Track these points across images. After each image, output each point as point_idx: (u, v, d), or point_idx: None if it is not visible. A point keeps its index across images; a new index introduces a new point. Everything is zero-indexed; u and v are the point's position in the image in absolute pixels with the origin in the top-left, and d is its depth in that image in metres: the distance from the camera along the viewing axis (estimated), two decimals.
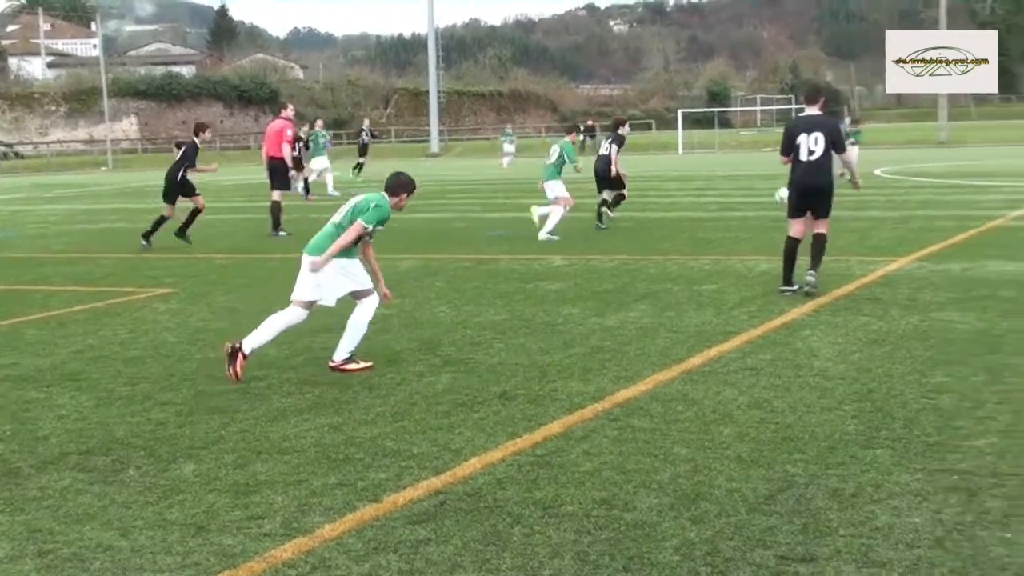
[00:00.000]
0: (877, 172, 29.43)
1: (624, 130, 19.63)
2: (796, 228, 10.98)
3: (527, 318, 10.04)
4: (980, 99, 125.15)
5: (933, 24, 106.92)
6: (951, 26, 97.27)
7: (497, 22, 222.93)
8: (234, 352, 7.80)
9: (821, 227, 10.96)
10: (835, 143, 10.83)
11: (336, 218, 8.07)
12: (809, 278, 10.72)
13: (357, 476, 5.58)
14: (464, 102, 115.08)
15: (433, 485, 5.38)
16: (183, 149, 17.84)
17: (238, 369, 7.75)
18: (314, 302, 8.02)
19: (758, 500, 5.02)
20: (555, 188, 17.07)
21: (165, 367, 8.46)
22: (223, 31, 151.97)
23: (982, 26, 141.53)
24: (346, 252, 7.93)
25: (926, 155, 44.61)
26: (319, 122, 33.80)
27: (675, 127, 68.92)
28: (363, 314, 8.01)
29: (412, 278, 13.18)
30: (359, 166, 39.20)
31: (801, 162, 10.85)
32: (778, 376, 7.40)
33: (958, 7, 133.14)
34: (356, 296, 8.07)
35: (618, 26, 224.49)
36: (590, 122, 77.63)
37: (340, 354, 8.02)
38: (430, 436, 6.26)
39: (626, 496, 5.15)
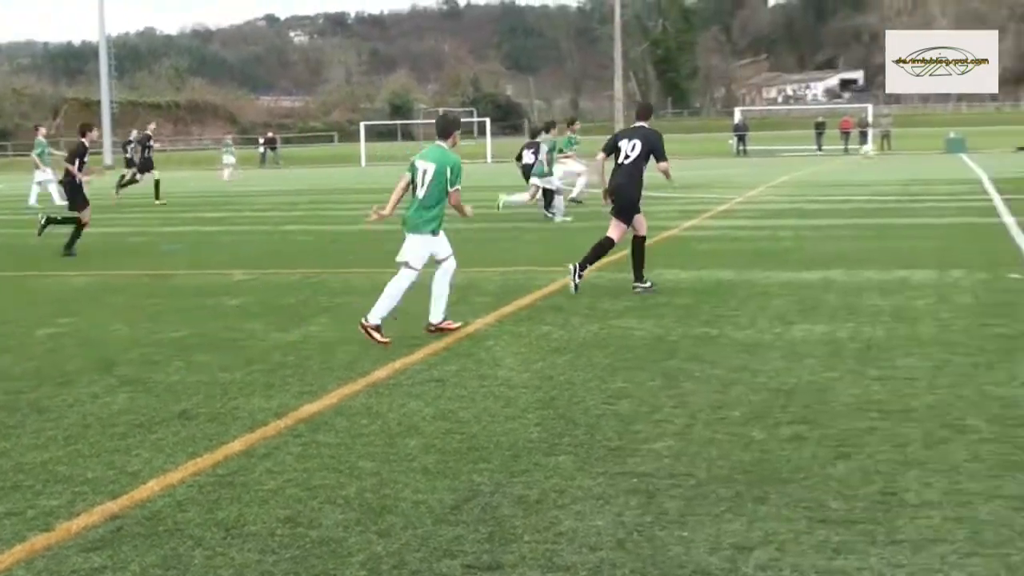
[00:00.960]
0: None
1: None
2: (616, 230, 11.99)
3: (208, 334, 9.80)
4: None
5: (608, 41, 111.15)
6: (626, 42, 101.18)
7: (173, 31, 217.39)
8: (366, 329, 8.93)
9: (613, 231, 12.02)
10: (653, 151, 11.86)
11: (421, 193, 9.25)
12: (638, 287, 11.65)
13: (27, 504, 5.29)
14: (139, 112, 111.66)
15: (109, 510, 5.15)
16: (74, 150, 16.85)
17: (381, 338, 8.87)
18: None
19: (444, 510, 5.05)
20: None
21: None
22: None
23: (654, 43, 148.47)
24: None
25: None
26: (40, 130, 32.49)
27: (358, 140, 68.97)
28: (446, 275, 9.45)
29: (87, 296, 12.69)
30: (131, 180, 36.07)
31: (617, 165, 11.91)
32: (463, 387, 7.48)
33: (632, 24, 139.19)
34: (438, 259, 9.47)
35: (299, 37, 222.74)
36: (270, 134, 76.73)
37: (436, 316, 9.34)
38: (105, 459, 6.01)
39: (311, 513, 5.08)
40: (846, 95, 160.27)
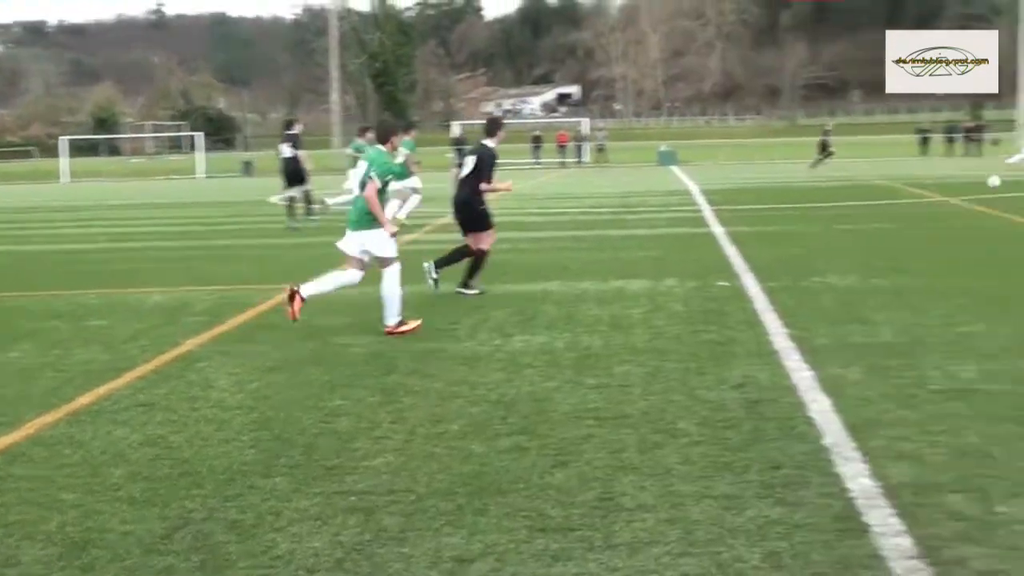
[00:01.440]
0: (272, 199, 29.93)
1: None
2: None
3: None
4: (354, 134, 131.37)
5: (324, 54, 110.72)
6: (343, 55, 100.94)
7: None
8: (292, 295, 9.90)
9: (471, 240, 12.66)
10: (480, 168, 12.50)
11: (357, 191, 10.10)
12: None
13: None
14: None
15: None
16: None
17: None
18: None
19: (154, 540, 4.90)
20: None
21: None
22: None
23: (372, 57, 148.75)
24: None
25: (322, 182, 46.03)
26: None
27: (58, 155, 66.38)
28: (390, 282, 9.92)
29: None
30: None
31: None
32: (174, 411, 7.28)
33: (349, 36, 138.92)
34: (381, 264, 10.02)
35: None
36: None
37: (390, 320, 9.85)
38: None
39: (8, 551, 4.84)
40: (562, 109, 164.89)
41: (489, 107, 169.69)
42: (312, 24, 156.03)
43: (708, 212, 23.75)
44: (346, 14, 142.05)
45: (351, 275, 10.33)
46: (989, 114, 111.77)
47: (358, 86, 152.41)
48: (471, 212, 12.69)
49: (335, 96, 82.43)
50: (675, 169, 50.69)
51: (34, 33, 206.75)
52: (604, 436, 6.33)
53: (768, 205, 25.43)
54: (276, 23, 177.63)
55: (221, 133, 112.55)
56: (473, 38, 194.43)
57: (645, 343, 9.10)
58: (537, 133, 72.66)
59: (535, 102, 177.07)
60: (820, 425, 6.41)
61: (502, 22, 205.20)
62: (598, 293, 12.02)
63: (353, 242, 10.28)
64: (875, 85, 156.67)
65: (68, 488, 5.69)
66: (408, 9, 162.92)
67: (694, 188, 34.54)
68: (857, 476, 5.48)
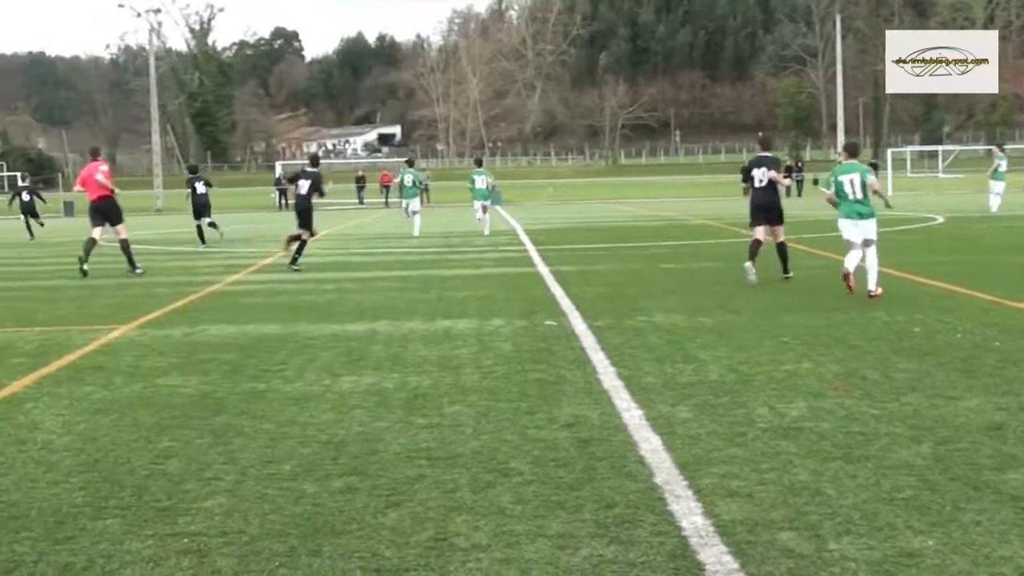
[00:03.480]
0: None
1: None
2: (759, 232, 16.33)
3: None
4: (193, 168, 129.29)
5: (144, 94, 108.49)
6: (162, 97, 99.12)
7: None
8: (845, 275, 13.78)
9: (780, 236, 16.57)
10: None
11: None
12: (786, 276, 16.40)
13: None
14: None
15: None
16: None
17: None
18: None
19: None
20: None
21: None
22: None
23: (192, 97, 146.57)
24: None
25: (145, 222, 45.13)
26: None
27: None
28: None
29: None
30: None
31: (755, 188, 16.26)
32: (0, 453, 7.06)
33: (168, 77, 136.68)
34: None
35: None
36: None
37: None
38: None
39: None
40: (385, 149, 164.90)
41: (312, 147, 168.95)
42: (131, 64, 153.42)
43: (533, 251, 24.02)
44: (165, 54, 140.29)
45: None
46: (810, 154, 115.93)
47: (179, 126, 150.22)
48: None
49: (156, 137, 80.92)
50: (499, 209, 51.10)
51: None
52: (436, 476, 6.35)
53: (592, 244, 25.84)
54: (95, 63, 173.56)
55: (42, 173, 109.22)
56: (293, 78, 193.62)
57: (475, 383, 9.14)
58: (360, 173, 72.69)
59: (357, 142, 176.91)
60: (651, 463, 6.49)
61: (322, 62, 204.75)
62: (426, 333, 12.05)
63: (858, 229, 14.13)
64: (693, 126, 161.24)
65: None
66: (227, 49, 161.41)
67: (519, 228, 34.91)
68: (689, 514, 5.57)
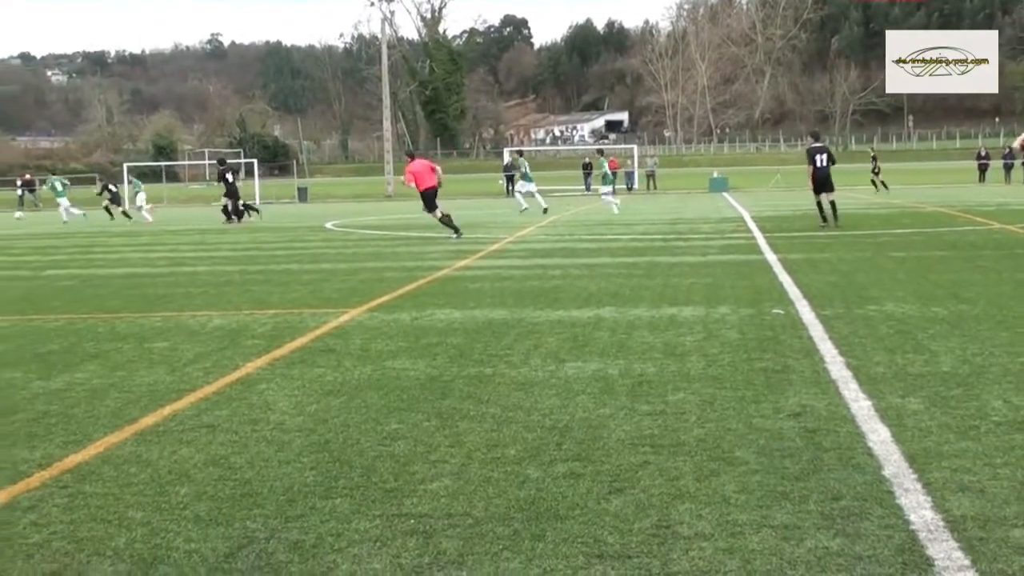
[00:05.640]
0: (328, 225, 30.14)
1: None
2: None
3: None
4: (423, 155, 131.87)
5: (376, 82, 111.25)
6: (394, 83, 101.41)
7: None
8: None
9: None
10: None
11: None
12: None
13: None
14: None
15: None
16: None
17: None
18: None
19: (218, 559, 4.94)
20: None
21: None
22: None
23: (422, 85, 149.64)
24: None
25: (375, 208, 46.28)
26: None
27: (121, 181, 67.07)
28: None
29: None
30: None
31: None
32: (235, 432, 7.35)
33: (399, 65, 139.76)
34: None
35: (56, 77, 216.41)
36: (28, 176, 74.10)
37: None
38: None
39: (79, 566, 4.90)
40: (611, 136, 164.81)
41: (540, 134, 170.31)
42: (363, 52, 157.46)
43: (761, 239, 23.67)
44: (397, 43, 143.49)
45: None
46: None
47: (409, 113, 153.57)
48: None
49: (387, 124, 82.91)
50: (726, 196, 50.49)
51: (96, 63, 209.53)
52: (660, 463, 6.31)
53: (819, 232, 25.28)
54: (328, 52, 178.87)
55: (276, 160, 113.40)
56: (522, 65, 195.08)
57: (700, 371, 9.06)
58: (587, 160, 72.77)
59: (584, 129, 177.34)
60: (879, 455, 6.31)
61: (550, 49, 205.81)
62: (651, 320, 12.00)
63: None
64: (927, 111, 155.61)
65: (136, 506, 5.76)
66: (457, 37, 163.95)
67: (746, 215, 34.44)
68: (918, 508, 5.39)
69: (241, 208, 39.52)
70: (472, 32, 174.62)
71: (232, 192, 39.78)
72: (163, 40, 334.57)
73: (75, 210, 46.37)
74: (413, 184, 27.07)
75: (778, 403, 7.74)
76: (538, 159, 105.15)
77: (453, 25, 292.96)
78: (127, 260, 24.30)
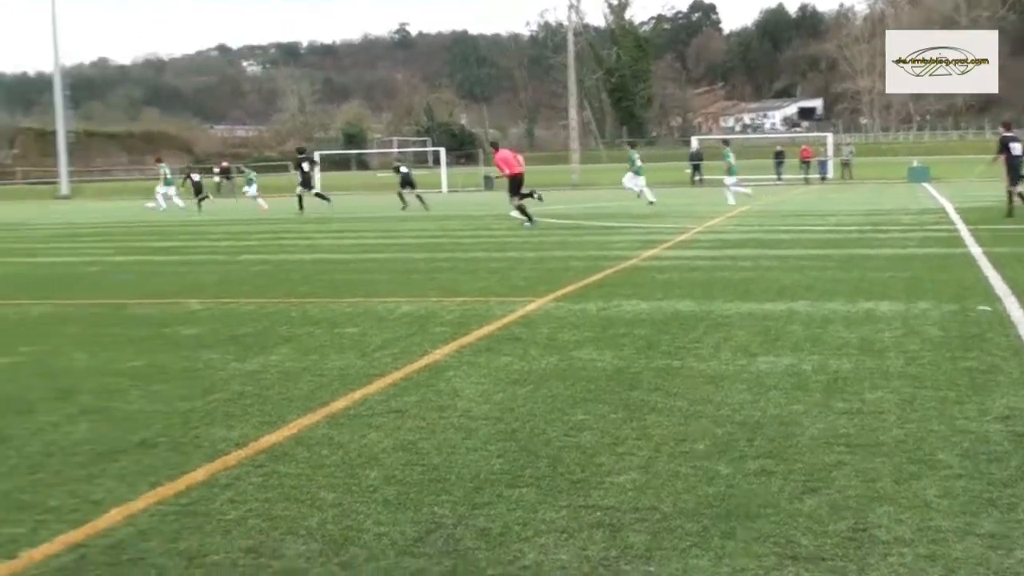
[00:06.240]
0: (513, 214, 30.33)
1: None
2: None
3: (165, 364, 9.74)
4: (608, 144, 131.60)
5: (562, 70, 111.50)
6: (580, 71, 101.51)
7: (127, 61, 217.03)
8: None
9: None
10: None
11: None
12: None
13: None
14: (94, 143, 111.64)
15: (72, 539, 5.12)
16: None
17: None
18: None
19: (407, 543, 5.02)
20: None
21: None
22: None
23: (609, 72, 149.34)
24: None
25: (558, 197, 46.42)
26: None
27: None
28: None
29: (45, 325, 12.66)
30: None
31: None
32: (423, 418, 7.45)
33: (586, 52, 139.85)
34: None
35: (251, 67, 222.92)
36: (225, 164, 76.63)
37: None
38: (68, 488, 5.96)
39: (273, 543, 5.04)
40: (804, 123, 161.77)
41: (729, 122, 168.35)
42: (549, 40, 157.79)
43: (964, 231, 22.93)
44: (583, 30, 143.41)
45: None
46: None
47: (595, 101, 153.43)
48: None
49: (573, 112, 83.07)
50: (927, 186, 49.11)
51: (288, 53, 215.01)
52: (856, 464, 6.15)
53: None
54: (514, 40, 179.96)
55: (463, 148, 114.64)
56: (711, 51, 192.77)
57: (899, 368, 8.81)
58: (779, 148, 71.70)
59: (776, 116, 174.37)
60: None
61: (740, 35, 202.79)
62: (846, 314, 11.73)
63: None
64: None
65: (327, 487, 5.89)
66: (644, 24, 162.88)
67: (948, 206, 33.45)
68: None
69: (314, 196, 41.64)
70: (659, 18, 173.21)
71: (306, 182, 41.48)
72: (353, 30, 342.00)
73: (177, 201, 49.66)
74: (505, 171, 29.79)
75: (984, 404, 7.47)
76: (733, 147, 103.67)
77: (640, 11, 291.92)
78: (317, 246, 24.91)
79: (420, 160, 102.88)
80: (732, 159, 41.59)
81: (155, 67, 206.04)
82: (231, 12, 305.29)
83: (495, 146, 32.61)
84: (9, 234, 35.23)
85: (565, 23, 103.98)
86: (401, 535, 5.12)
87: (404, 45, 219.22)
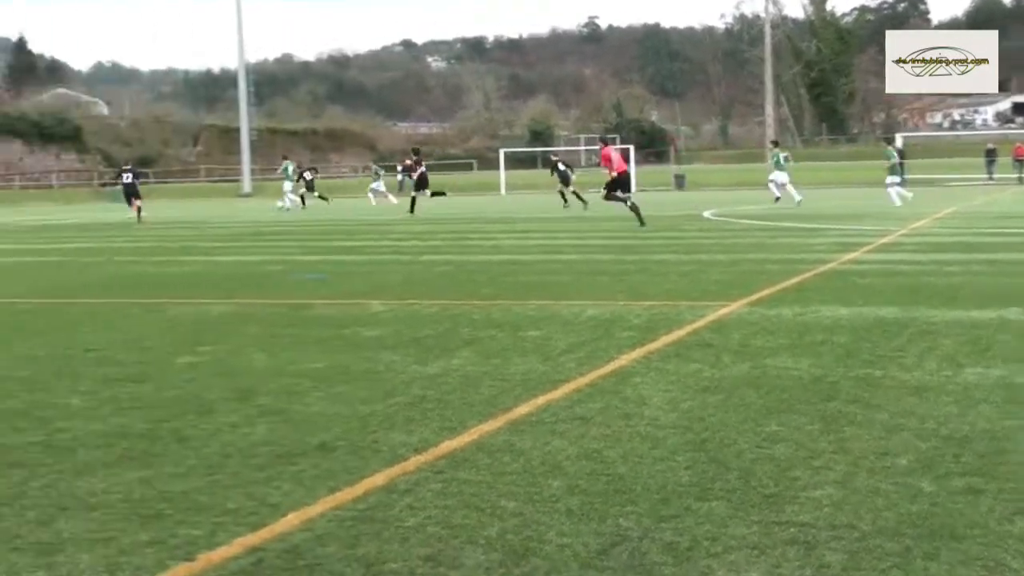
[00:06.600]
0: (705, 214, 30.16)
1: None
2: None
3: (346, 366, 9.93)
4: (807, 141, 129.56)
5: (758, 64, 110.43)
6: (776, 67, 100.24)
7: (311, 57, 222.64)
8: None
9: None
10: None
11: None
12: None
13: (168, 533, 5.40)
14: (277, 140, 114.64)
15: (249, 542, 5.24)
16: None
17: None
18: None
19: (590, 555, 5.01)
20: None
21: None
22: (22, 65, 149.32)
23: (808, 66, 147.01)
24: None
25: (752, 197, 45.87)
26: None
27: (497, 167, 69.44)
28: None
29: (225, 324, 13.02)
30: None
31: None
32: (608, 425, 7.43)
33: (783, 45, 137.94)
34: None
35: (436, 63, 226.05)
36: (408, 161, 77.86)
37: None
38: (246, 490, 6.11)
39: (452, 552, 5.09)
40: (1019, 119, 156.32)
41: (936, 118, 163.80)
42: (745, 33, 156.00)
43: None
44: (780, 22, 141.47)
45: None
46: None
47: (793, 96, 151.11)
48: None
49: (769, 108, 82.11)
50: None
51: (474, 49, 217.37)
52: None
53: None
54: (708, 33, 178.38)
55: (653, 146, 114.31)
56: None
57: None
58: (991, 146, 69.55)
59: (988, 112, 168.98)
60: None
61: (950, 25, 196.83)
62: None
63: None
64: None
65: (508, 496, 5.92)
66: (846, 15, 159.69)
67: None
68: None
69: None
70: (863, 9, 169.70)
71: (421, 182, 44.31)
72: (541, 24, 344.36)
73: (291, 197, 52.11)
74: (610, 167, 30.70)
75: None
76: (935, 146, 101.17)
77: (842, 2, 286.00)
78: (501, 247, 25.13)
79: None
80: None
81: (339, 63, 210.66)
82: (416, 7, 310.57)
83: (604, 142, 33.98)
84: (191, 232, 36.48)
85: (762, 15, 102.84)
86: (584, 547, 5.10)
87: (593, 39, 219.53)
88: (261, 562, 5.01)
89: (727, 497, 5.82)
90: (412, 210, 42.29)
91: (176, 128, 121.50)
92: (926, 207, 36.42)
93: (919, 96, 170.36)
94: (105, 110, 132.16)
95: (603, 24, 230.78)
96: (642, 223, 29.33)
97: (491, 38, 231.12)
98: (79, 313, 14.58)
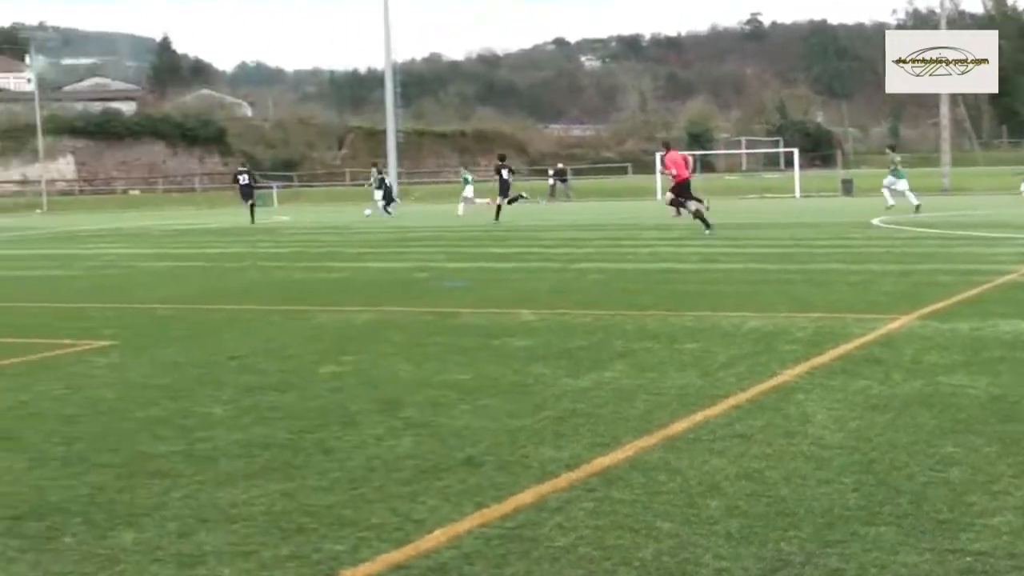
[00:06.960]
0: (874, 221, 29.67)
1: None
2: None
3: (494, 377, 9.99)
4: (985, 144, 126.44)
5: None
6: None
7: (460, 57, 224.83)
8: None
9: None
10: None
11: None
12: None
13: (311, 548, 5.48)
14: (424, 142, 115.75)
15: (393, 559, 5.28)
16: None
17: None
18: None
19: None
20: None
21: (103, 426, 8.36)
22: (166, 65, 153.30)
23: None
24: None
25: (927, 203, 44.96)
26: None
27: (653, 171, 69.12)
28: None
29: (369, 333, 13.18)
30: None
31: None
32: (770, 444, 7.34)
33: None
34: None
35: (590, 62, 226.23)
36: (560, 165, 78.18)
37: None
38: (390, 505, 6.17)
39: (605, 575, 5.07)
40: None
41: None
42: (920, 28, 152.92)
43: None
44: (957, 17, 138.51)
45: None
46: None
47: (970, 97, 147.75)
48: None
49: (944, 110, 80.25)
50: None
51: (629, 47, 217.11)
52: None
53: None
54: (878, 30, 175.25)
55: (818, 149, 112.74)
56: None
57: None
58: None
59: None
60: None
61: None
62: None
63: None
64: None
65: (664, 516, 5.87)
66: None
67: None
68: None
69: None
70: None
71: (504, 189, 44.15)
72: (700, 21, 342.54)
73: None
74: (673, 171, 31.62)
75: None
76: None
77: None
78: (658, 254, 25.04)
79: (771, 162, 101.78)
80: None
81: (489, 63, 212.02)
82: (570, 4, 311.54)
83: (667, 146, 34.74)
84: (335, 238, 37.03)
85: (937, 10, 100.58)
86: (744, 572, 5.05)
87: (755, 37, 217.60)
88: None
89: (897, 523, 5.70)
90: (497, 217, 42.37)
91: (321, 130, 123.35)
92: None
93: None
94: (249, 111, 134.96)
95: (766, 21, 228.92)
96: (708, 226, 30.50)
97: (648, 36, 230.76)
98: (222, 319, 14.99)
